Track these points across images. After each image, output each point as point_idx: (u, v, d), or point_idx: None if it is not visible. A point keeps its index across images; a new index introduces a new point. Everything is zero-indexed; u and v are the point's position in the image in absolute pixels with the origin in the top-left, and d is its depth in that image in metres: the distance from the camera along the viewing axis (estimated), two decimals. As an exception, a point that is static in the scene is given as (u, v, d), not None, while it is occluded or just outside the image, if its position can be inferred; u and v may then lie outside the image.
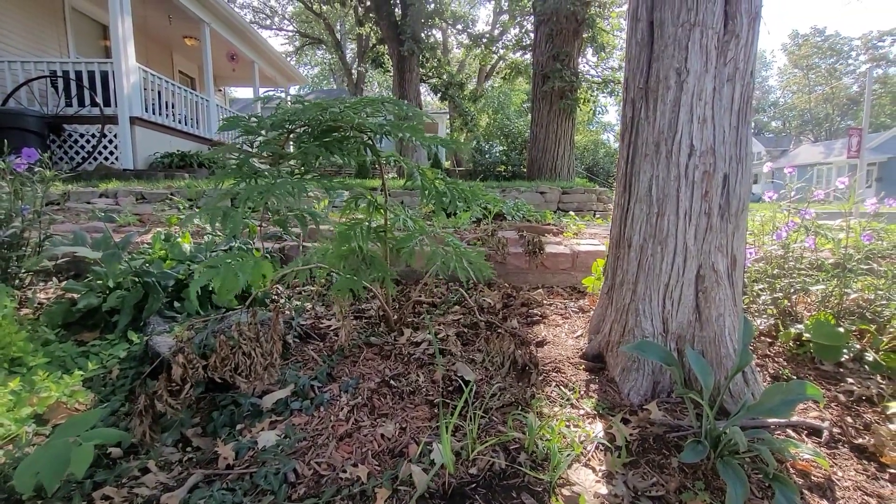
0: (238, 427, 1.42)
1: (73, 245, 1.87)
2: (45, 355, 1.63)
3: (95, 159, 7.25)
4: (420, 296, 2.44)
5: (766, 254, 2.26)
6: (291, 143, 1.38)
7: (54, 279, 2.34)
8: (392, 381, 1.67)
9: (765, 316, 2.13)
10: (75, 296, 1.99)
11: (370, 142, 1.50)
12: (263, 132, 1.30)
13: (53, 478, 1.06)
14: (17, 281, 2.11)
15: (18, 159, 1.97)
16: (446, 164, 15.20)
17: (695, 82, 1.54)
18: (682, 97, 1.56)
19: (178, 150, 7.82)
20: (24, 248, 2.13)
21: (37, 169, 2.18)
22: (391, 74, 12.93)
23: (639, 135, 1.69)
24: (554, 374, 1.74)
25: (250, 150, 1.32)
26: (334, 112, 1.27)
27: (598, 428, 1.41)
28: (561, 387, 1.64)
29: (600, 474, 1.23)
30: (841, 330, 1.82)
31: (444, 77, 13.97)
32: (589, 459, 1.29)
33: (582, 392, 1.62)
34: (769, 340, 2.06)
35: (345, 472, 1.23)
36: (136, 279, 1.88)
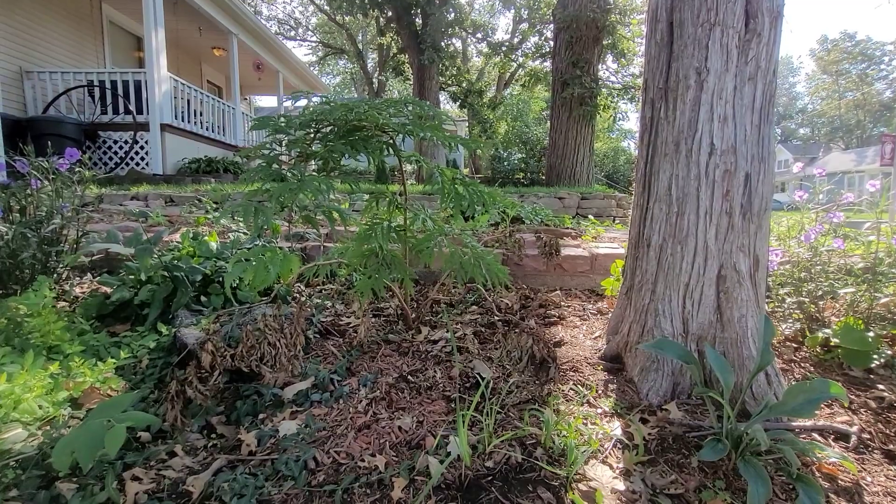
0: (260, 416, 1.46)
1: (107, 242, 1.96)
2: (81, 344, 1.71)
3: (127, 164, 7.55)
4: (438, 295, 2.46)
5: (793, 256, 2.21)
6: (317, 142, 1.43)
7: (89, 274, 2.45)
8: (409, 377, 1.69)
9: (790, 320, 2.09)
10: (109, 290, 2.08)
11: (392, 141, 1.55)
12: (292, 131, 1.35)
13: (88, 456, 1.11)
14: (55, 275, 2.22)
15: (61, 159, 2.09)
16: (465, 171, 15.27)
17: (715, 81, 1.54)
18: (703, 96, 1.56)
19: (205, 156, 8.08)
20: (63, 245, 2.24)
21: (77, 170, 2.30)
22: (411, 83, 13.11)
23: (658, 134, 1.69)
24: (571, 373, 1.73)
25: (278, 148, 1.37)
26: (359, 112, 1.31)
27: (615, 426, 1.40)
28: (578, 385, 1.64)
29: (618, 471, 1.22)
30: (871, 335, 1.77)
31: (464, 85, 14.09)
32: (606, 456, 1.28)
33: (600, 391, 1.61)
34: (795, 345, 2.01)
35: (363, 461, 1.26)
36: (166, 274, 1.96)
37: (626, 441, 1.34)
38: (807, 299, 2.05)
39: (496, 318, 2.22)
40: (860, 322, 1.84)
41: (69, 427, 1.33)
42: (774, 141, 1.64)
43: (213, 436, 1.39)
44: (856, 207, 2.36)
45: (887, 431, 1.43)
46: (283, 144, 1.38)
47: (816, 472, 1.24)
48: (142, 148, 7.59)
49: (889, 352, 1.79)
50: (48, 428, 1.32)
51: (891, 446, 1.36)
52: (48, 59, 7.64)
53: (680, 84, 1.60)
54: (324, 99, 1.43)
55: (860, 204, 2.36)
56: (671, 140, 1.63)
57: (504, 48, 14.43)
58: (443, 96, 14.80)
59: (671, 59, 1.65)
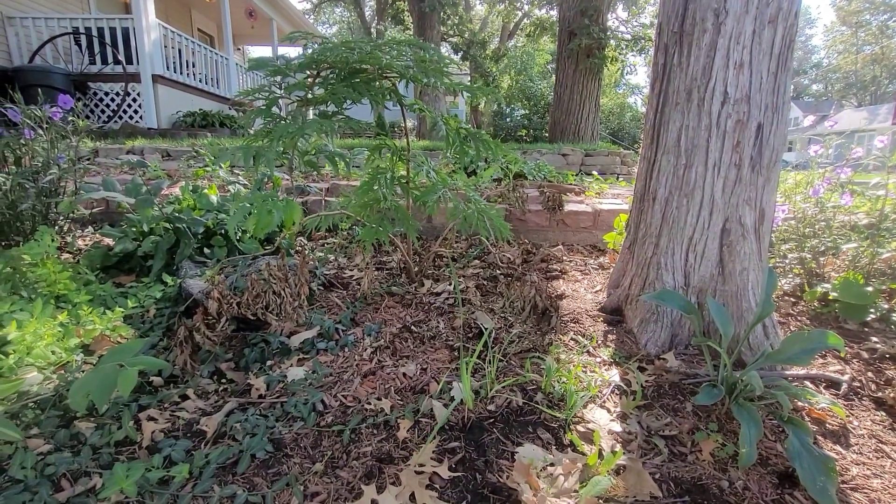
0: (268, 363, 1.50)
1: (103, 188, 1.94)
2: (87, 294, 1.73)
3: (121, 118, 7.35)
4: (440, 249, 2.47)
5: (798, 212, 2.20)
6: (317, 87, 1.38)
7: (90, 227, 2.45)
8: (413, 327, 1.73)
9: (791, 275, 2.10)
10: (111, 241, 2.08)
11: (394, 87, 1.49)
12: (291, 73, 1.29)
13: (102, 397, 1.14)
14: (56, 227, 2.22)
15: (54, 108, 2.03)
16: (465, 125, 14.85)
17: (733, 24, 1.47)
18: (719, 41, 1.49)
19: (199, 109, 7.86)
20: (61, 197, 2.22)
21: (70, 119, 2.24)
22: (411, 33, 12.54)
23: (670, 82, 1.63)
24: (572, 324, 1.76)
25: (277, 91, 1.32)
26: (361, 52, 1.25)
27: (614, 374, 1.44)
28: (579, 336, 1.67)
29: (615, 414, 1.27)
30: (870, 289, 1.79)
31: (466, 35, 13.49)
32: (604, 401, 1.32)
33: (599, 341, 1.65)
34: (793, 300, 2.03)
35: (369, 404, 1.30)
36: (168, 226, 1.95)
37: (624, 387, 1.38)
38: (808, 255, 2.06)
39: (498, 272, 2.23)
40: (860, 277, 1.85)
41: (82, 371, 1.37)
42: (790, 90, 1.58)
43: (223, 381, 1.44)
44: (863, 162, 2.32)
45: (877, 380, 1.47)
46: (282, 88, 1.33)
47: (806, 417, 1.29)
48: (134, 101, 7.37)
49: (886, 306, 1.81)
50: (62, 372, 1.36)
51: (880, 394, 1.40)
52: (31, 3, 7.27)
53: (696, 27, 1.53)
54: (323, 40, 1.36)
55: (867, 157, 2.31)
56: (683, 88, 1.58)
57: (509, -5, 13.70)
58: (444, 48, 14.20)
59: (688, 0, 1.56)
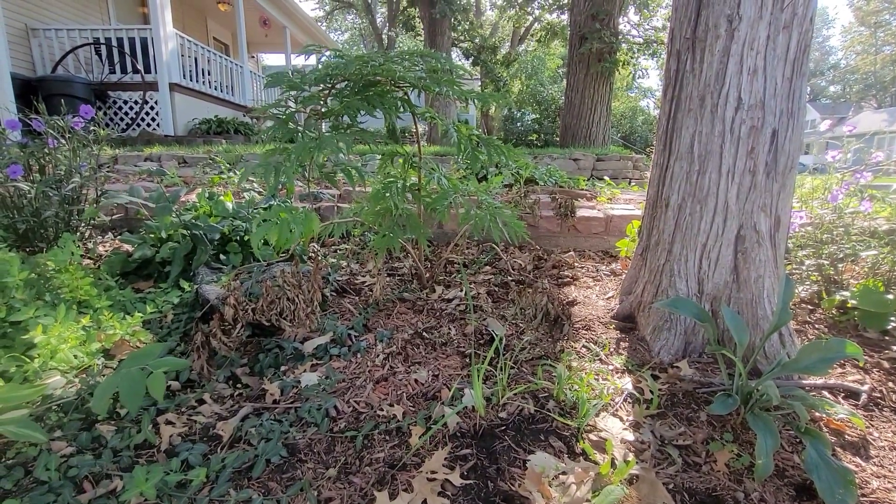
0: (282, 368, 1.52)
1: (129, 196, 1.99)
2: (108, 299, 1.77)
3: (139, 125, 7.53)
4: (451, 255, 2.48)
5: (815, 218, 2.16)
6: (332, 98, 1.41)
7: (110, 234, 2.51)
8: (425, 333, 1.74)
9: (808, 283, 2.07)
10: (130, 248, 2.13)
11: (407, 97, 1.51)
12: (307, 87, 1.32)
13: (134, 402, 1.15)
14: (78, 234, 2.28)
15: (76, 118, 2.09)
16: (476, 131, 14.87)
17: (747, 30, 1.46)
18: (733, 46, 1.48)
19: (215, 117, 8.01)
20: (83, 204, 2.28)
21: (92, 129, 2.31)
22: (422, 39, 12.63)
23: (683, 88, 1.62)
24: (584, 331, 1.76)
25: (293, 105, 1.35)
26: (375, 65, 1.27)
27: (626, 382, 1.43)
28: (590, 343, 1.67)
29: (627, 423, 1.26)
30: (890, 297, 1.75)
31: (477, 41, 13.53)
32: (617, 410, 1.32)
33: (612, 349, 1.64)
34: (810, 308, 2.00)
35: (382, 410, 1.31)
36: (185, 232, 1.99)
37: (637, 395, 1.37)
38: (826, 262, 2.02)
39: (509, 278, 2.24)
40: (880, 284, 1.82)
41: (104, 375, 1.40)
42: (805, 95, 1.56)
43: (239, 386, 1.46)
44: (884, 166, 2.27)
45: (899, 390, 1.44)
46: (298, 101, 1.36)
47: (824, 427, 1.27)
48: (152, 108, 7.54)
49: (907, 314, 1.77)
50: (84, 376, 1.40)
51: (901, 404, 1.37)
52: (53, 15, 7.50)
53: (709, 34, 1.52)
54: (337, 53, 1.39)
55: (888, 161, 2.27)
56: (696, 94, 1.57)
57: (519, 0, 13.73)
58: (454, 53, 14.27)
59: (701, 6, 1.56)
